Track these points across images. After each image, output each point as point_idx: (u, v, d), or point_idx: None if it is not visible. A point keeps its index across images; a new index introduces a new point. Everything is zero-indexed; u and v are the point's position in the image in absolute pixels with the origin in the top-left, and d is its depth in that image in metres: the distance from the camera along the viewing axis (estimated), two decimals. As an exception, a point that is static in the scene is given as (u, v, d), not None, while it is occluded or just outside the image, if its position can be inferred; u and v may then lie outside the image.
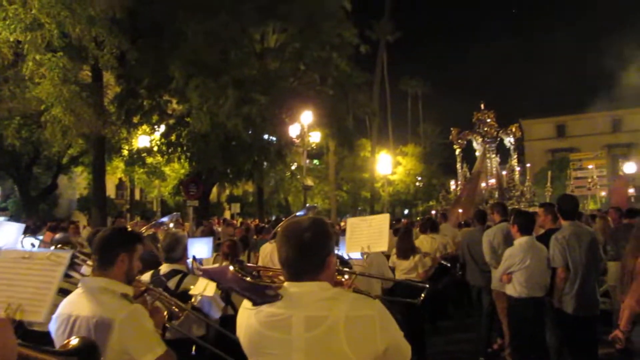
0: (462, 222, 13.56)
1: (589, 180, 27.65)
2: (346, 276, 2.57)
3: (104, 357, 2.31)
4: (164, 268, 3.92)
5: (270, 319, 1.88)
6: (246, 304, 2.00)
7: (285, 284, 1.94)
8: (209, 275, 3.18)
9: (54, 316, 2.53)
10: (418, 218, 32.11)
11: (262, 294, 1.94)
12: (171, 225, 4.57)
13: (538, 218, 6.50)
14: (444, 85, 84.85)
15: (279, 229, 2.20)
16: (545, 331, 5.88)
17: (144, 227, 4.70)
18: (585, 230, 5.55)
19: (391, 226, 13.22)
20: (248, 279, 2.02)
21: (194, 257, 4.86)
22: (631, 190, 29.68)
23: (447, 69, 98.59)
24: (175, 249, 3.98)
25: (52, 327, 2.54)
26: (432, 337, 8.00)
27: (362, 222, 3.98)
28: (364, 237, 3.85)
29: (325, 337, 1.80)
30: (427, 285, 3.11)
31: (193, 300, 3.33)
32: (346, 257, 4.15)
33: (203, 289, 3.38)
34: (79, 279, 2.78)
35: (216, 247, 6.99)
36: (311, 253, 1.91)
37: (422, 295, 3.02)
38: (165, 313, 2.90)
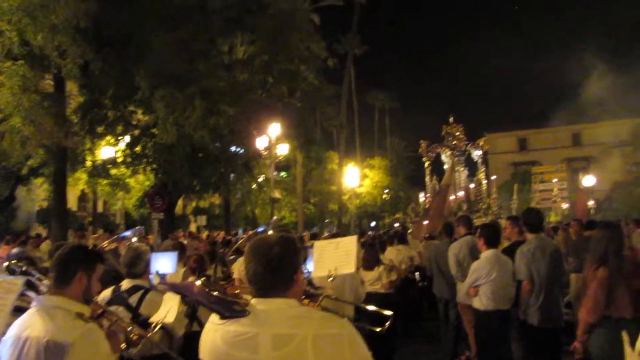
0: (427, 235, 13.63)
1: (553, 192, 28.36)
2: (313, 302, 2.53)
3: None
4: (126, 284, 3.79)
5: (237, 338, 1.84)
6: (213, 319, 1.95)
7: (253, 300, 1.90)
8: (176, 289, 3.10)
9: (4, 338, 2.40)
10: (383, 231, 32.34)
11: (230, 308, 1.90)
12: (134, 239, 4.45)
13: (504, 230, 6.60)
14: (410, 99, 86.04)
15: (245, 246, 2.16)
16: (511, 343, 5.95)
17: (106, 241, 4.57)
18: (549, 243, 5.65)
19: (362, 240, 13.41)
20: (215, 293, 2.01)
21: (157, 272, 4.74)
22: (591, 203, 30.59)
23: (413, 83, 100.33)
24: (137, 264, 3.86)
25: (3, 351, 2.38)
26: (400, 349, 8.00)
27: (329, 245, 3.97)
28: (331, 260, 3.84)
29: (293, 356, 1.76)
30: (392, 313, 3.06)
31: (153, 326, 3.17)
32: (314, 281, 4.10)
33: (164, 315, 3.25)
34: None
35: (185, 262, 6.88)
36: (279, 269, 1.89)
37: (387, 324, 2.96)
38: (122, 338, 2.78)
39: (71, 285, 2.48)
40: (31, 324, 2.35)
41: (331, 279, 3.77)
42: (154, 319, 3.25)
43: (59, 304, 2.42)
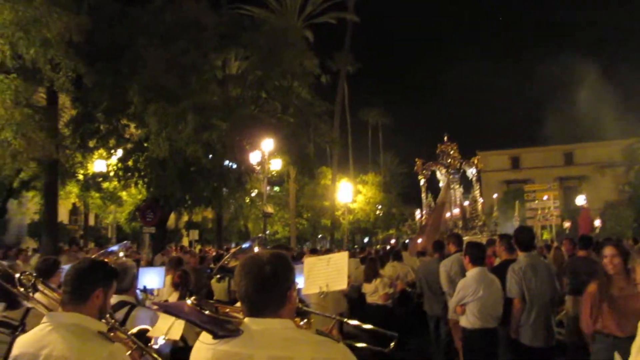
0: (419, 251, 13.61)
1: (546, 210, 28.44)
2: (305, 320, 2.50)
3: None
4: (112, 299, 3.74)
5: (230, 359, 1.79)
6: (204, 338, 1.91)
7: (246, 320, 1.86)
8: (166, 309, 3.04)
9: (13, 355, 2.30)
10: (378, 246, 32.34)
11: (223, 327, 1.86)
12: (121, 254, 4.41)
13: (496, 248, 6.60)
14: (403, 116, 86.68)
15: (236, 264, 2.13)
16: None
17: (94, 256, 4.51)
18: (541, 261, 5.65)
19: (356, 255, 13.57)
20: (207, 312, 1.96)
21: (144, 287, 4.68)
22: (597, 222, 30.82)
23: (406, 101, 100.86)
24: (123, 280, 3.78)
25: None
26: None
27: (320, 261, 3.93)
28: (322, 276, 3.81)
29: None
30: (396, 334, 3.03)
31: (153, 343, 3.11)
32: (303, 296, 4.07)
33: (166, 330, 3.17)
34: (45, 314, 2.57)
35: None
36: (272, 287, 1.86)
37: (392, 344, 2.94)
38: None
39: (88, 302, 2.40)
40: (50, 343, 2.24)
41: (322, 295, 3.74)
42: (153, 333, 3.18)
43: (77, 321, 2.33)
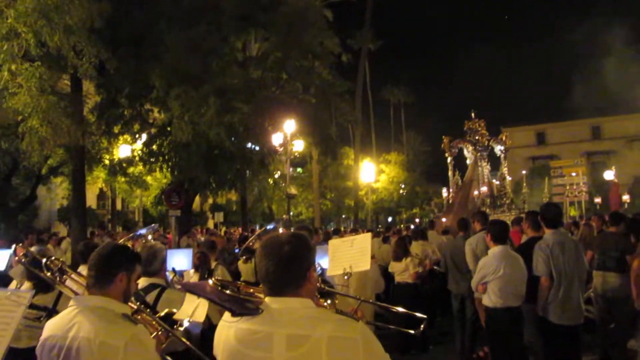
0: (443, 230, 13.55)
1: (575, 187, 27.97)
2: (329, 301, 2.52)
3: None
4: (142, 282, 3.75)
5: (251, 336, 1.83)
6: (226, 317, 1.95)
7: (266, 299, 1.90)
8: (189, 289, 3.10)
9: (42, 337, 2.37)
10: (401, 225, 32.28)
11: (242, 306, 1.91)
12: (150, 237, 4.46)
13: (523, 225, 6.54)
14: (426, 93, 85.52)
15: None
16: (529, 340, 5.87)
17: (122, 239, 4.59)
18: (568, 239, 5.56)
19: (379, 234, 13.60)
20: (227, 291, 2.02)
21: (173, 270, 4.75)
22: (625, 197, 30.15)
23: (429, 78, 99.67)
24: (153, 262, 3.84)
25: (40, 352, 2.36)
26: (413, 348, 7.96)
27: (344, 243, 3.96)
28: (346, 258, 3.84)
29: (307, 357, 1.75)
30: (426, 317, 3.05)
31: (179, 324, 3.16)
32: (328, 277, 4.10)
33: (191, 313, 3.21)
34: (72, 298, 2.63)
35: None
36: (291, 266, 1.88)
37: (422, 326, 2.96)
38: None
39: (112, 286, 2.46)
40: (77, 324, 2.30)
41: (347, 277, 3.77)
42: (179, 316, 3.24)
43: (102, 304, 2.39)
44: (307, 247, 1.96)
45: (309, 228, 5.90)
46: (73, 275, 2.84)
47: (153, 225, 5.47)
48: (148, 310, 2.95)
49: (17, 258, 3.06)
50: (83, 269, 3.82)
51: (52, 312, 3.31)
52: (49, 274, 2.81)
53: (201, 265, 5.53)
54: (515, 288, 5.35)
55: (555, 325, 5.19)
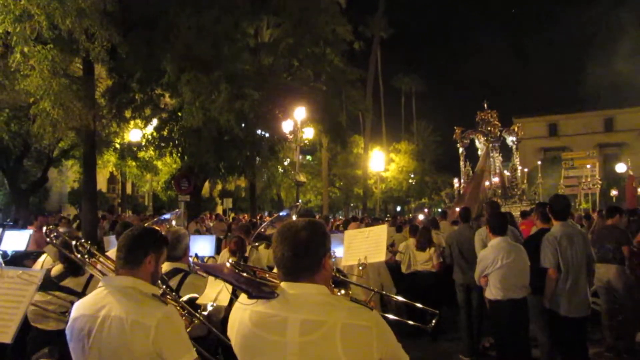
0: (453, 220, 13.53)
1: (588, 179, 27.75)
2: (342, 290, 2.54)
3: None
4: (165, 266, 3.74)
5: (266, 319, 1.86)
6: (242, 299, 1.98)
7: (282, 284, 1.92)
8: (206, 270, 3.14)
9: (72, 317, 2.40)
10: (410, 215, 32.23)
11: (259, 289, 1.95)
12: (174, 222, 4.49)
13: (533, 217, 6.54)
14: (437, 83, 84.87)
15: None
16: (536, 331, 5.87)
17: (147, 224, 4.60)
18: (576, 231, 5.54)
19: (393, 223, 13.59)
20: (245, 274, 2.08)
21: (196, 255, 4.77)
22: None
23: (440, 67, 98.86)
24: (177, 247, 3.86)
25: (70, 331, 2.39)
26: (421, 336, 7.97)
27: (360, 234, 4.00)
28: (362, 249, 3.87)
29: (320, 343, 1.77)
30: (438, 312, 3.06)
31: (202, 309, 3.16)
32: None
33: (215, 297, 3.24)
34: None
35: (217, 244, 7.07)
36: (307, 252, 1.91)
37: (434, 321, 2.98)
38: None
39: (141, 267, 2.47)
40: (107, 304, 2.33)
41: (361, 267, 3.80)
42: (202, 300, 3.26)
43: (132, 284, 2.41)
44: (324, 234, 1.98)
45: (312, 213, 5.95)
46: (101, 259, 2.87)
47: (177, 210, 5.53)
48: (174, 294, 2.98)
49: (48, 239, 3.07)
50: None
51: (82, 296, 3.34)
52: (79, 256, 2.84)
53: (238, 250, 5.61)
54: (516, 279, 5.32)
55: (562, 317, 5.19)
